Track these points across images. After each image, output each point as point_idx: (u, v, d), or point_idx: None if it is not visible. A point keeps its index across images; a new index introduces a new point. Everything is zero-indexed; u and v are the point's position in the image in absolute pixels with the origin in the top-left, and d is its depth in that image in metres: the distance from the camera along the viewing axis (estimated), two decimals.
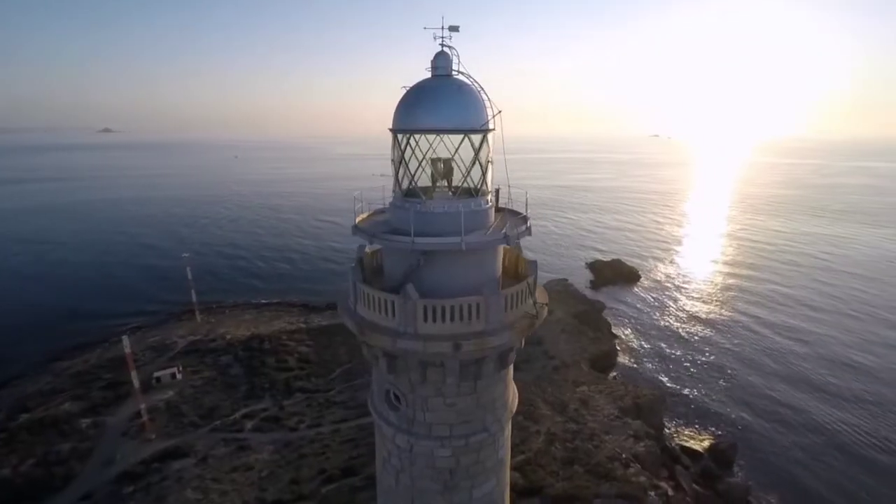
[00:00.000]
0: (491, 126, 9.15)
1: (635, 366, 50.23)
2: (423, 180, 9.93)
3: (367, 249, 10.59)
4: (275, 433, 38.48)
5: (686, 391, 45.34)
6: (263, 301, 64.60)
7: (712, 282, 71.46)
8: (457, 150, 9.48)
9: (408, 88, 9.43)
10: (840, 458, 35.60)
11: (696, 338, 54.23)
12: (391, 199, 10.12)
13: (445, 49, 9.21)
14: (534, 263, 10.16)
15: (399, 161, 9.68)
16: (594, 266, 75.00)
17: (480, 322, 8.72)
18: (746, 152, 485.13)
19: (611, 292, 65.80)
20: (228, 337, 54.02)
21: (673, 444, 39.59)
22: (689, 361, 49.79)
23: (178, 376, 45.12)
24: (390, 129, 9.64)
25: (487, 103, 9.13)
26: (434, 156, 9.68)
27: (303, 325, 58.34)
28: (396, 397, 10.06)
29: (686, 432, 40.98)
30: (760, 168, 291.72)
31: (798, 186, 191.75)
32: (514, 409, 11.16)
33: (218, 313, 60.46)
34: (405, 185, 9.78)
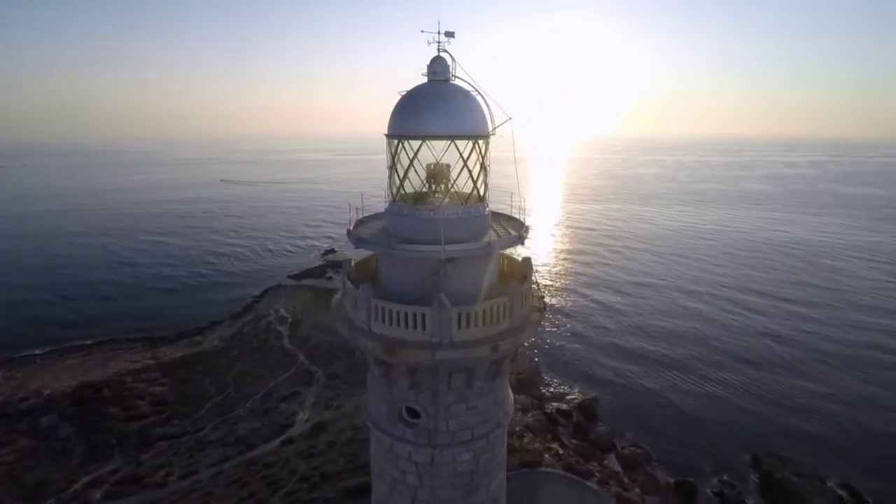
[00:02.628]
0: (491, 132, 9.38)
1: (538, 355, 54.72)
2: (410, 186, 9.70)
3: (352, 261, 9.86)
4: (137, 496, 32.14)
5: (551, 362, 51.21)
6: (89, 341, 52.62)
7: (555, 263, 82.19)
8: (462, 156, 9.44)
9: (403, 93, 9.07)
10: (669, 395, 44.32)
11: (548, 317, 61.80)
12: (388, 206, 9.58)
13: (442, 54, 9.11)
14: (528, 260, 10.75)
15: (393, 167, 9.25)
16: None
17: (506, 321, 8.99)
18: (569, 149, 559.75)
19: None
20: (47, 392, 42.91)
21: (551, 410, 44.67)
22: (548, 338, 56.18)
23: None
24: (386, 135, 9.13)
25: (486, 109, 9.31)
26: (430, 161, 9.51)
27: (151, 362, 49.51)
28: (413, 413, 9.65)
29: (557, 397, 46.42)
30: (580, 162, 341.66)
31: (610, 177, 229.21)
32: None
33: (24, 365, 47.34)
34: (400, 191, 9.39)
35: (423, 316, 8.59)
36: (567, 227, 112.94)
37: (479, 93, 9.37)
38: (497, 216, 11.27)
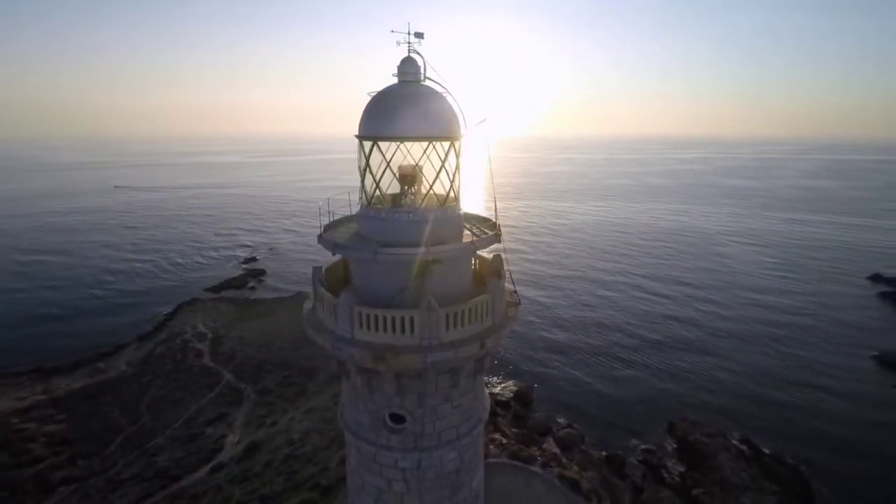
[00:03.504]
0: (463, 133, 9.48)
1: None
2: (382, 187, 9.51)
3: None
4: None
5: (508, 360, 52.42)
6: None
7: None
8: (439, 157, 9.41)
9: (374, 94, 8.83)
10: (593, 379, 47.13)
11: None
12: (361, 209, 9.26)
13: (413, 55, 9.02)
14: (499, 256, 10.99)
15: (366, 168, 8.99)
16: None
17: (489, 318, 9.14)
18: (490, 149, 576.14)
19: None
20: None
21: (490, 402, 45.93)
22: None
23: None
24: (357, 137, 8.83)
25: (458, 110, 9.40)
26: (402, 163, 9.39)
27: (42, 397, 43.35)
28: (397, 419, 9.45)
29: (495, 387, 47.83)
30: (501, 161, 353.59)
31: (528, 175, 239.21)
32: None
33: None
34: (373, 193, 9.16)
35: (412, 319, 8.50)
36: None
37: (450, 94, 9.46)
38: (466, 216, 11.42)
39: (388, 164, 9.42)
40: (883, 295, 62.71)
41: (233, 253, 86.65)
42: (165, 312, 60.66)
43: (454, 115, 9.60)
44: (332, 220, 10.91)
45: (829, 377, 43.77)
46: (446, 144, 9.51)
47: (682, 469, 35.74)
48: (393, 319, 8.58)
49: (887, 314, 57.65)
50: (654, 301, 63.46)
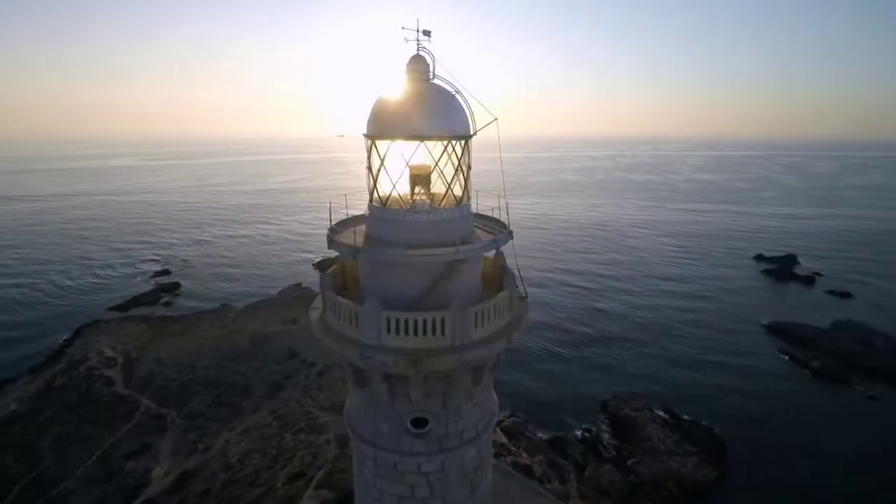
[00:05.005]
0: (473, 132, 9.48)
1: None
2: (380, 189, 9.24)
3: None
4: None
5: None
6: None
7: None
8: (456, 156, 9.31)
9: (383, 93, 8.51)
10: (532, 368, 48.43)
11: None
12: (374, 211, 8.86)
13: (422, 53, 8.82)
14: (501, 252, 11.13)
15: (379, 169, 8.65)
16: (322, 266, 75.88)
17: (508, 313, 9.25)
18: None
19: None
20: None
21: None
22: None
23: None
24: (365, 136, 8.44)
25: (468, 109, 9.37)
26: (412, 162, 9.17)
27: None
28: (419, 423, 9.21)
29: None
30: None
31: None
32: None
33: None
34: (389, 194, 8.85)
35: (443, 320, 8.39)
36: None
37: (460, 93, 9.46)
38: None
39: (407, 164, 9.18)
40: (766, 272, 72.48)
41: (138, 268, 77.80)
42: (62, 339, 53.18)
43: (465, 114, 9.62)
44: (333, 223, 10.36)
45: (730, 348, 49.83)
46: (459, 144, 9.50)
47: (616, 443, 38.65)
48: (425, 322, 8.42)
49: (771, 289, 67.08)
50: (579, 294, 67.59)
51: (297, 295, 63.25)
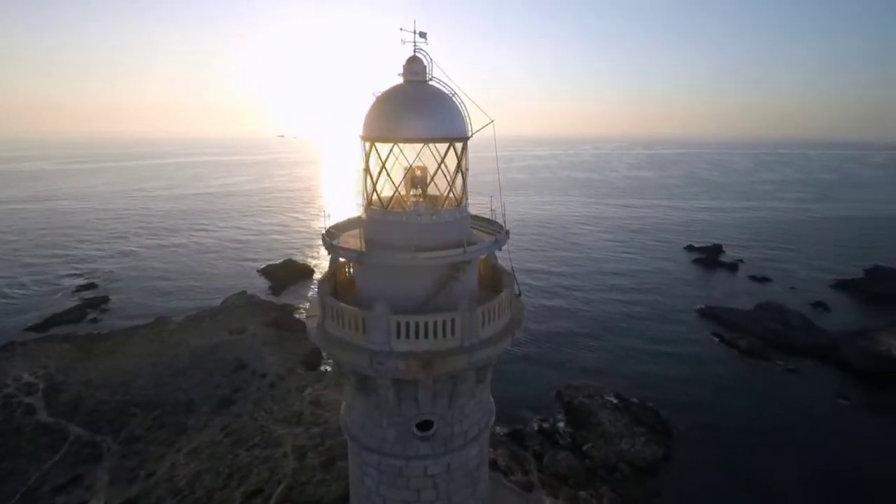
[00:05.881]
0: (470, 134, 9.49)
1: None
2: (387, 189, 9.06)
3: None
4: None
5: None
6: None
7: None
8: (457, 157, 9.26)
9: (378, 94, 8.29)
10: None
11: None
12: (374, 213, 8.60)
13: (419, 54, 8.68)
14: (493, 254, 11.21)
15: (380, 171, 8.44)
16: (268, 270, 72.57)
17: (508, 311, 9.36)
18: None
19: (293, 291, 66.08)
20: None
21: None
22: None
23: None
24: (364, 138, 8.17)
25: (465, 111, 9.34)
26: (408, 164, 9.03)
27: None
28: (424, 426, 9.08)
29: None
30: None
31: None
32: None
33: None
34: (382, 194, 8.64)
35: (453, 321, 8.34)
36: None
37: (457, 95, 9.45)
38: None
39: (412, 166, 9.05)
40: (696, 261, 78.71)
41: (56, 284, 70.34)
42: None
43: (464, 116, 9.63)
44: (327, 228, 9.98)
45: (668, 333, 53.46)
46: (458, 145, 9.51)
47: (571, 430, 40.28)
48: (435, 324, 8.35)
49: (701, 277, 72.76)
50: (527, 291, 69.12)
51: (243, 304, 60.17)
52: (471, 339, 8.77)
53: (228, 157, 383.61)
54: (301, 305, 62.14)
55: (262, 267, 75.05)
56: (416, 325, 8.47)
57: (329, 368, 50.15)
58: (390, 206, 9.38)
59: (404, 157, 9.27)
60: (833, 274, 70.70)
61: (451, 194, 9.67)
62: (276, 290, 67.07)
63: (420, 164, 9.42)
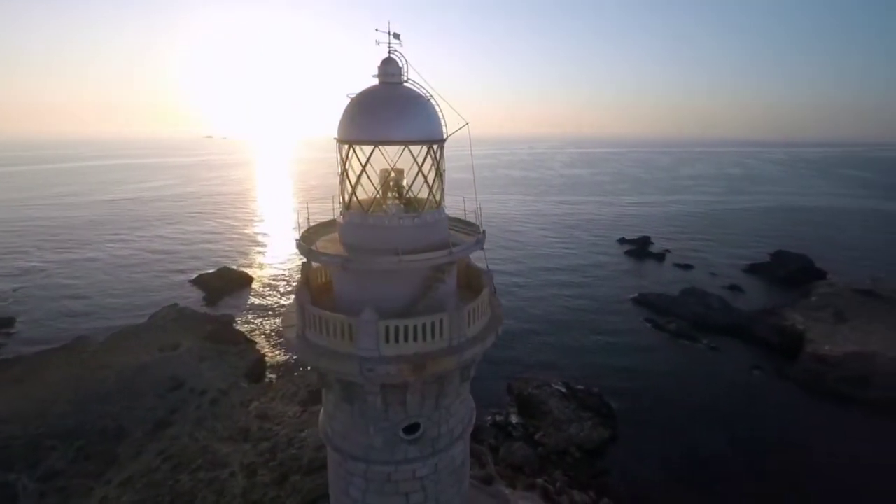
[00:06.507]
0: (446, 136, 9.48)
1: (288, 359, 51.69)
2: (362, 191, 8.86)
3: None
4: None
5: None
6: None
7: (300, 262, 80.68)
8: (434, 159, 9.19)
9: (354, 96, 8.04)
10: None
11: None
12: (353, 217, 8.31)
13: (393, 56, 8.52)
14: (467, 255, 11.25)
15: (361, 174, 8.19)
16: (201, 280, 67.73)
17: (488, 309, 9.47)
18: (295, 149, 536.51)
19: (231, 301, 62.36)
20: None
21: None
22: None
23: None
24: (341, 140, 7.88)
25: (441, 113, 9.31)
26: (384, 166, 8.87)
27: None
28: (411, 428, 8.96)
29: None
30: (313, 163, 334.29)
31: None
32: None
33: None
34: (352, 197, 8.40)
35: (441, 322, 8.32)
36: (312, 223, 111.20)
37: (432, 96, 9.42)
38: None
39: (393, 168, 8.89)
40: (628, 252, 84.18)
41: None
42: None
43: (432, 118, 9.63)
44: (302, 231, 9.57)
45: (606, 321, 56.68)
46: (435, 147, 9.51)
47: (523, 421, 41.63)
48: (424, 326, 8.30)
49: (633, 266, 77.79)
50: None
51: (175, 318, 56.01)
52: (458, 338, 8.85)
53: (149, 160, 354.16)
54: (240, 316, 58.97)
55: (194, 277, 70.21)
56: (406, 328, 8.41)
57: (274, 379, 48.09)
58: (360, 210, 9.20)
59: (386, 160, 9.15)
60: (745, 259, 78.42)
61: (432, 196, 9.67)
62: (211, 300, 63.10)
63: (396, 167, 9.35)
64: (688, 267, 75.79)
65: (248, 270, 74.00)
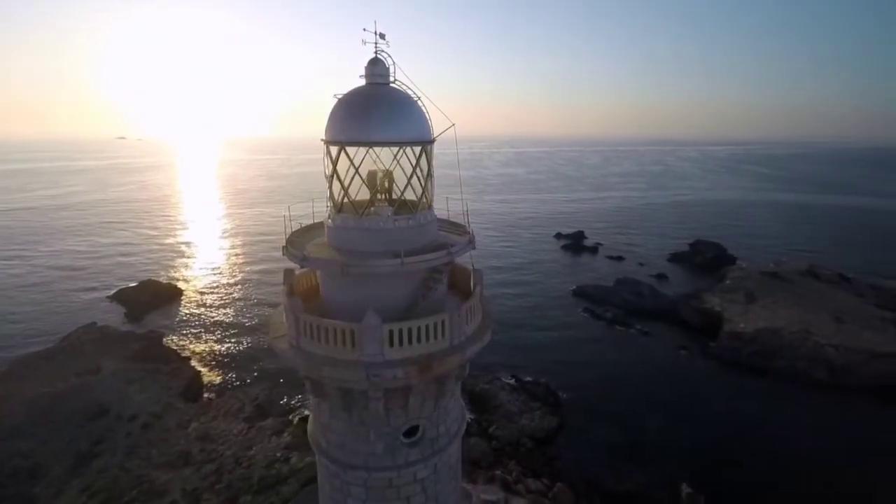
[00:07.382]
0: (434, 137, 9.38)
1: (229, 374, 48.64)
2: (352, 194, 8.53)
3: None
4: None
5: (274, 368, 47.25)
6: None
7: (238, 271, 76.10)
8: (427, 160, 9.04)
9: (341, 96, 7.72)
10: None
11: (252, 323, 56.31)
12: (345, 220, 7.96)
13: (380, 56, 8.27)
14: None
15: (334, 175, 7.89)
16: (122, 296, 61.35)
17: (480, 308, 9.52)
18: (219, 150, 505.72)
19: (158, 317, 57.04)
20: None
21: (300, 416, 42.49)
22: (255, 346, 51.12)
23: None
24: (330, 142, 7.52)
25: (428, 113, 9.20)
26: (373, 168, 8.63)
27: None
28: (410, 431, 8.78)
29: (298, 399, 44.05)
30: (240, 164, 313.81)
31: (276, 178, 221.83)
32: None
33: None
34: (342, 199, 8.11)
35: (443, 323, 8.26)
36: (242, 234, 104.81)
37: (419, 97, 9.30)
38: None
39: (387, 170, 8.67)
40: (565, 247, 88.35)
41: None
42: None
43: (420, 119, 9.56)
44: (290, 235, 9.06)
45: (549, 314, 59.01)
46: (428, 148, 9.43)
47: (477, 416, 42.31)
48: (427, 327, 8.21)
49: (571, 260, 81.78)
50: None
51: (94, 338, 50.69)
52: (459, 337, 8.88)
53: (54, 164, 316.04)
54: (170, 331, 54.56)
55: (113, 293, 63.82)
56: (410, 330, 8.30)
57: (214, 397, 44.86)
58: (352, 213, 8.97)
59: (380, 161, 8.95)
60: (668, 249, 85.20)
61: (424, 197, 9.61)
62: (135, 317, 57.70)
63: (383, 168, 9.19)
64: (619, 258, 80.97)
65: (175, 283, 68.51)
